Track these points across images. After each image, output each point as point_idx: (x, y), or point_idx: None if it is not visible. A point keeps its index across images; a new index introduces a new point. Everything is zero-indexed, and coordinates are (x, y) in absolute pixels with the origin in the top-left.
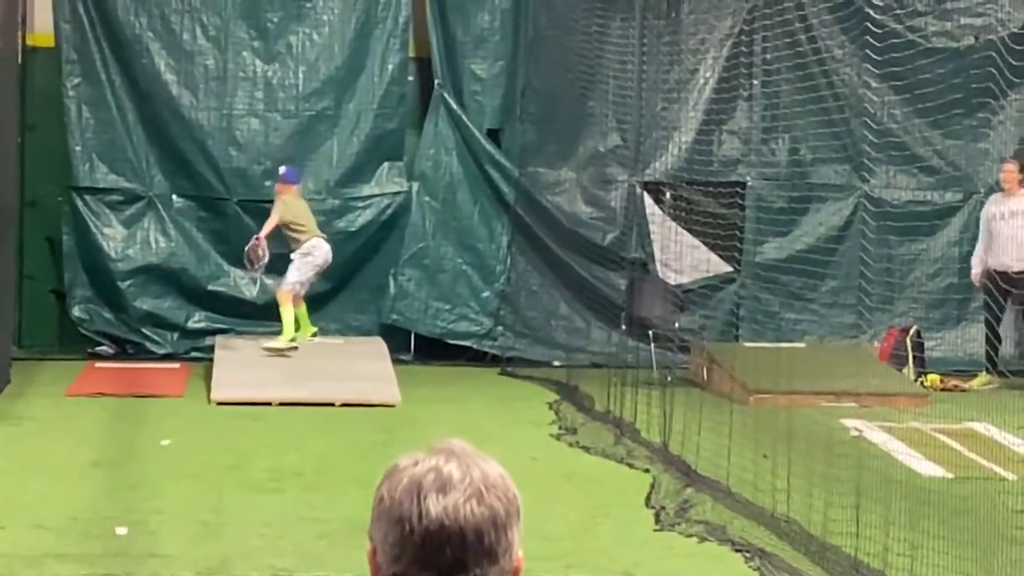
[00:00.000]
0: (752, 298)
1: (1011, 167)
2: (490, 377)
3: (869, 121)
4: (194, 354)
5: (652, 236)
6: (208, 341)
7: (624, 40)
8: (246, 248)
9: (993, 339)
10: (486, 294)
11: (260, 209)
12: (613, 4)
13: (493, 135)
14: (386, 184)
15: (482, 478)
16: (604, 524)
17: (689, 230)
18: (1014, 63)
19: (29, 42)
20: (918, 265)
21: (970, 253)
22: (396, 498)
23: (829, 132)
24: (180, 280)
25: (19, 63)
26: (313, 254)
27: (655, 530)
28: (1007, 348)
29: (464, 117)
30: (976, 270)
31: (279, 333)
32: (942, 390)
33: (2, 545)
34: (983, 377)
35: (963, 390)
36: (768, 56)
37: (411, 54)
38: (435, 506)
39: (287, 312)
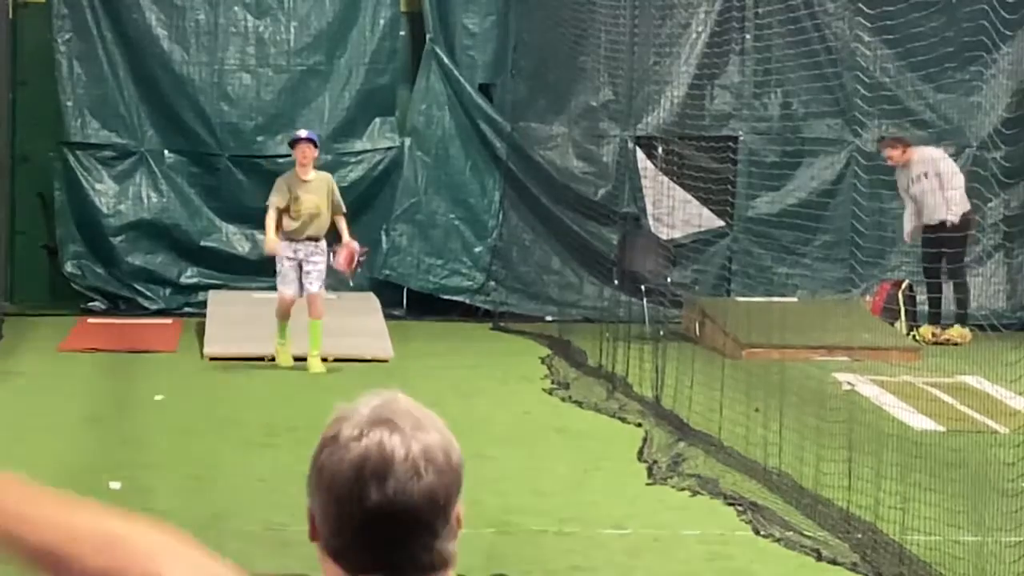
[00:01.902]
0: (744, 252)
1: (888, 151)
2: (482, 332)
3: (861, 75)
4: (187, 309)
5: (644, 191)
6: (200, 296)
7: None
8: (354, 254)
9: (936, 292)
10: (478, 249)
11: (251, 164)
12: None
13: (485, 90)
14: (378, 139)
15: (423, 453)
16: (596, 478)
17: (681, 185)
18: (1007, 16)
19: None
20: None
21: None
22: (336, 477)
23: (821, 86)
24: (172, 235)
25: (9, 18)
26: None
27: (647, 484)
28: (999, 301)
29: (456, 72)
30: (908, 228)
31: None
32: (934, 343)
33: None
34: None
35: (955, 343)
36: (760, 10)
37: (403, 9)
38: (376, 491)
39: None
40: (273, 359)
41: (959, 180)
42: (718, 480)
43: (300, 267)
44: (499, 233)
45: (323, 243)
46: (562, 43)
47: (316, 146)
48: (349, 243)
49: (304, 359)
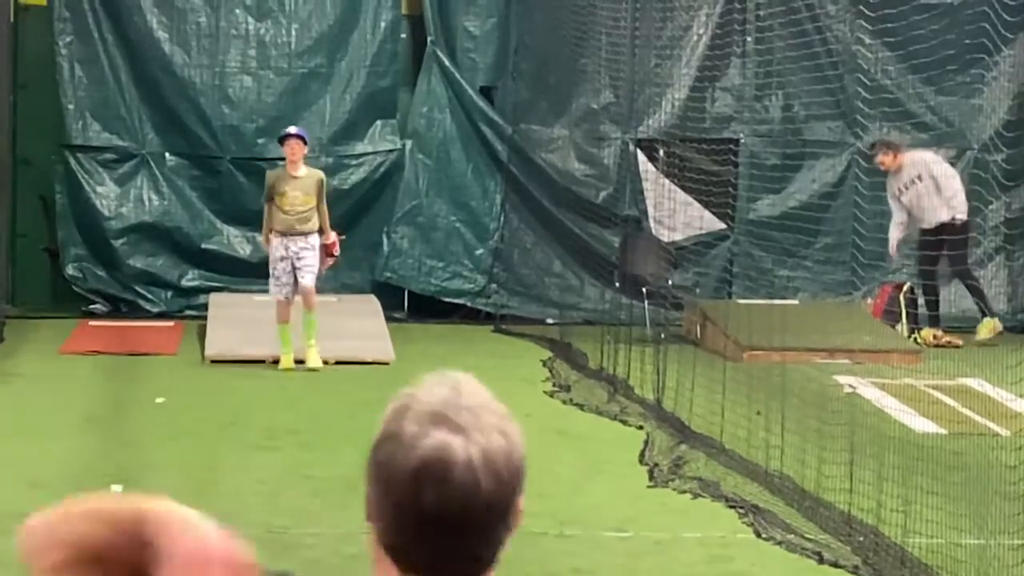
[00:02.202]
0: (745, 255)
1: (880, 157)
2: (484, 335)
3: (862, 77)
4: (188, 312)
5: (645, 193)
6: (202, 299)
7: None
8: (333, 249)
9: (933, 294)
10: (479, 252)
11: (253, 167)
12: None
13: (486, 92)
14: (379, 142)
15: (483, 458)
16: (598, 481)
17: (682, 187)
18: (1008, 18)
19: (21, 0)
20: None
21: None
22: (394, 477)
23: (822, 88)
24: (173, 238)
25: (11, 21)
26: None
27: (649, 487)
28: (1000, 303)
29: (457, 74)
30: (894, 239)
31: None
32: (935, 346)
33: None
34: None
35: (957, 346)
36: (761, 12)
37: (403, 11)
38: (434, 497)
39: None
40: (276, 361)
41: (956, 182)
42: (719, 483)
43: (292, 266)
44: (500, 236)
45: (314, 238)
46: (563, 45)
47: (305, 142)
48: (327, 240)
49: (302, 361)
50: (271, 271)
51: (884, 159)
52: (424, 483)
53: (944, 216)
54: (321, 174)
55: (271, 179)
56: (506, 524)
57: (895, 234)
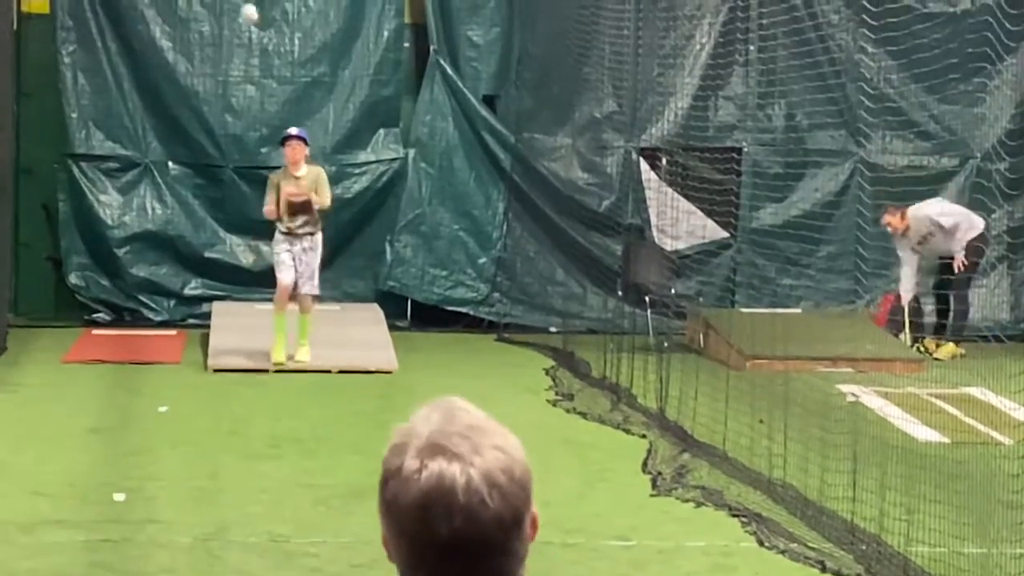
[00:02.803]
0: (748, 264)
1: (887, 219)
2: (487, 343)
3: (865, 86)
4: (191, 321)
5: (648, 202)
6: (205, 308)
7: (620, 5)
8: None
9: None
10: (483, 260)
11: (256, 176)
12: None
13: (489, 101)
14: (382, 150)
15: (484, 479)
16: (601, 489)
17: (685, 196)
18: (1010, 27)
19: (24, 9)
20: None
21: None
22: (403, 513)
23: (825, 97)
24: (176, 247)
25: (14, 30)
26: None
27: (652, 495)
28: (1003, 313)
29: (460, 83)
30: (907, 296)
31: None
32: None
33: None
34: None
35: (960, 355)
36: (764, 21)
37: (407, 20)
38: (444, 526)
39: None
40: (278, 371)
41: (963, 220)
42: (722, 491)
43: (295, 258)
44: (503, 244)
45: (318, 237)
46: (566, 54)
47: (306, 143)
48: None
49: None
50: (275, 260)
51: (891, 220)
52: (432, 515)
53: (957, 248)
54: (320, 170)
55: (273, 180)
56: (522, 535)
57: (910, 282)
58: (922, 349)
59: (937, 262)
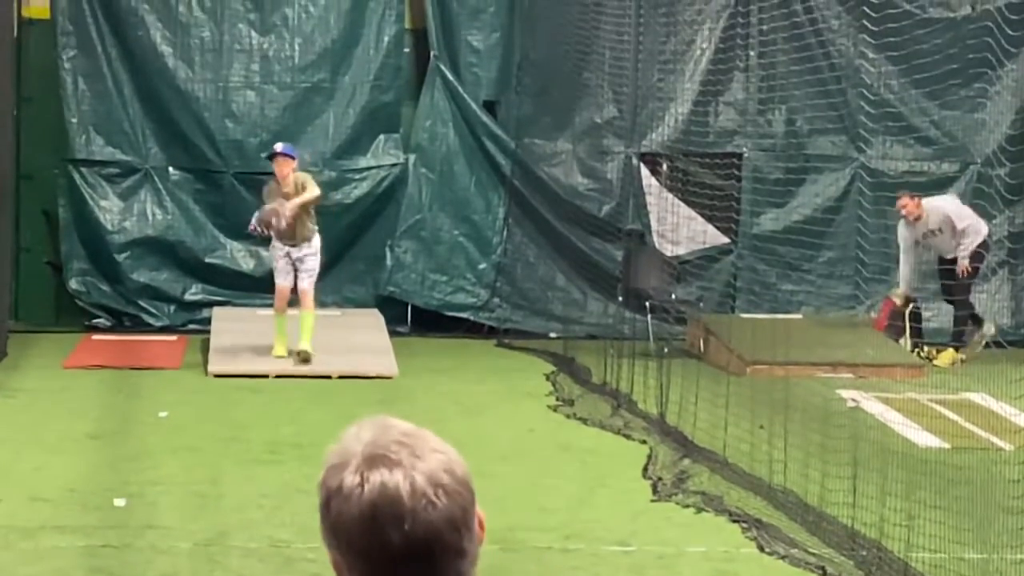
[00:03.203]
0: (749, 269)
1: (904, 201)
2: (487, 349)
3: (865, 92)
4: (191, 326)
5: (649, 207)
6: (205, 313)
7: (620, 11)
8: (265, 215)
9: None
10: (483, 266)
11: (256, 181)
12: None
13: (489, 107)
14: (382, 156)
15: (428, 481)
16: (601, 495)
17: (686, 201)
18: (1011, 33)
19: (25, 14)
20: None
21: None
22: (352, 530)
23: (826, 103)
24: (177, 252)
25: (14, 35)
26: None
27: (652, 500)
28: (1003, 318)
29: (460, 89)
30: (903, 290)
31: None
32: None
33: None
34: (950, 352)
35: (961, 361)
36: (764, 27)
37: (407, 26)
38: (396, 533)
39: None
40: (278, 376)
41: (973, 225)
42: (723, 497)
43: (294, 264)
44: (503, 250)
45: (315, 241)
46: (566, 60)
47: (293, 158)
48: (280, 209)
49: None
50: (273, 265)
51: (907, 204)
52: (381, 525)
53: (962, 253)
54: (306, 176)
55: (265, 195)
56: (472, 536)
57: (909, 274)
58: (922, 354)
59: (936, 268)
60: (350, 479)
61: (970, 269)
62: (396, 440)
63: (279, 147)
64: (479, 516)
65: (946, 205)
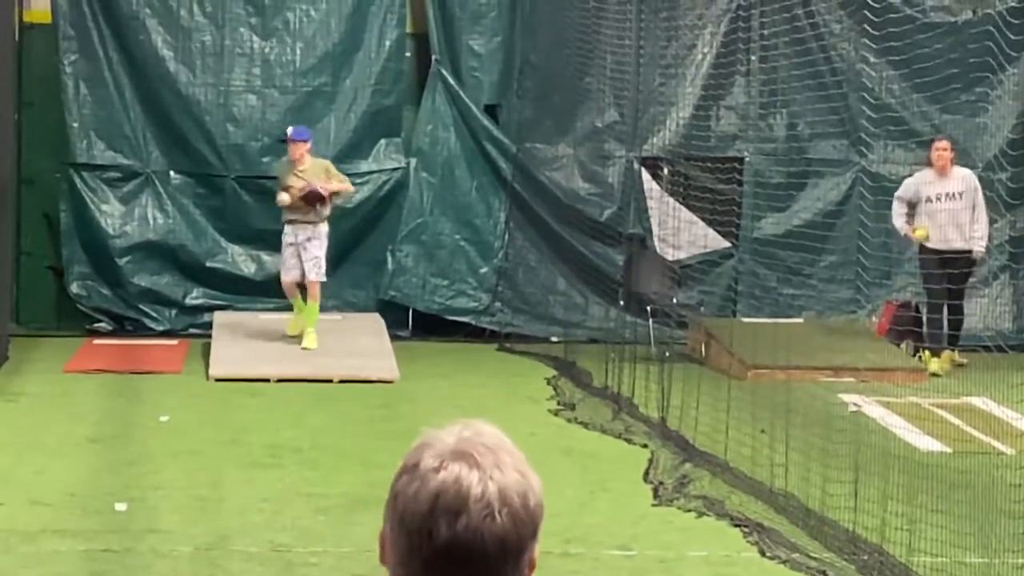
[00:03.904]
0: (750, 273)
1: (945, 144)
2: (488, 353)
3: (867, 96)
4: (192, 330)
5: (650, 212)
6: (206, 318)
7: (622, 15)
8: (314, 190)
9: (938, 317)
10: (484, 270)
11: (257, 185)
12: None
13: (491, 111)
14: (384, 160)
15: (499, 494)
16: (602, 499)
17: (687, 205)
18: (1012, 37)
19: (26, 18)
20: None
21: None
22: (409, 507)
23: (827, 107)
24: (178, 256)
25: (16, 39)
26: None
27: (653, 505)
28: (1005, 322)
29: (462, 93)
30: (904, 230)
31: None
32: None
33: (0, 521)
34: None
35: (962, 365)
36: (766, 31)
37: (408, 30)
38: (446, 528)
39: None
40: (279, 380)
41: (982, 219)
42: (724, 501)
43: (299, 254)
44: (505, 254)
45: (322, 227)
46: (568, 64)
47: (306, 141)
48: (315, 185)
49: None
50: (282, 255)
51: (946, 153)
52: (438, 515)
53: (957, 244)
54: (326, 162)
55: (278, 171)
56: (518, 570)
57: (901, 220)
58: (923, 358)
59: (922, 257)
60: (429, 461)
61: (981, 255)
62: (487, 446)
63: (290, 131)
64: (533, 556)
65: (974, 176)
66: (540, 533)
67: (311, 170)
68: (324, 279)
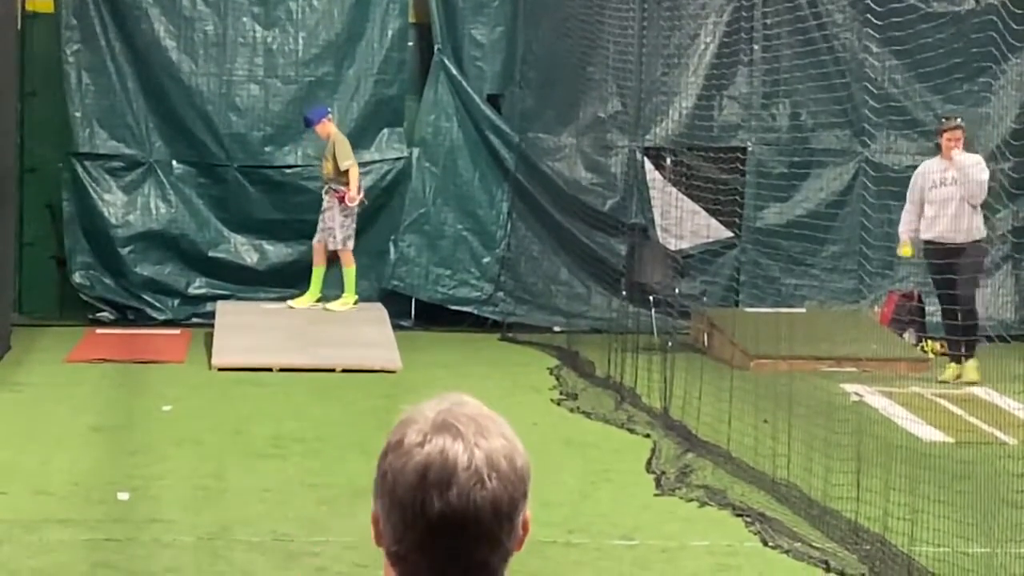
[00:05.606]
0: (753, 263)
1: (960, 124)
2: (490, 343)
3: (870, 86)
4: (195, 320)
5: (652, 202)
6: (209, 307)
7: (624, 5)
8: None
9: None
10: (486, 260)
11: (260, 175)
12: None
13: (493, 101)
14: (386, 150)
15: (486, 460)
16: (604, 489)
17: (690, 195)
18: (1015, 27)
19: (28, 7)
20: None
21: None
22: (399, 484)
23: (830, 97)
24: (180, 246)
25: (18, 29)
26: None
27: (655, 495)
28: (1008, 312)
29: (464, 83)
30: (906, 236)
31: (305, 291)
32: (942, 355)
33: (3, 511)
34: (954, 368)
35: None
36: (769, 21)
37: (411, 19)
38: (438, 499)
39: (352, 273)
40: (283, 369)
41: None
42: (726, 491)
43: (321, 216)
44: (507, 244)
45: (333, 199)
46: (570, 54)
47: (317, 121)
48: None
49: None
50: None
51: (955, 137)
52: (428, 488)
53: (959, 239)
54: (336, 136)
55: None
56: (513, 531)
57: (907, 233)
58: (926, 348)
59: (931, 252)
60: (412, 436)
61: (971, 240)
62: (468, 415)
63: (305, 117)
64: (525, 516)
65: (984, 167)
66: (530, 492)
67: (325, 145)
68: (339, 248)
